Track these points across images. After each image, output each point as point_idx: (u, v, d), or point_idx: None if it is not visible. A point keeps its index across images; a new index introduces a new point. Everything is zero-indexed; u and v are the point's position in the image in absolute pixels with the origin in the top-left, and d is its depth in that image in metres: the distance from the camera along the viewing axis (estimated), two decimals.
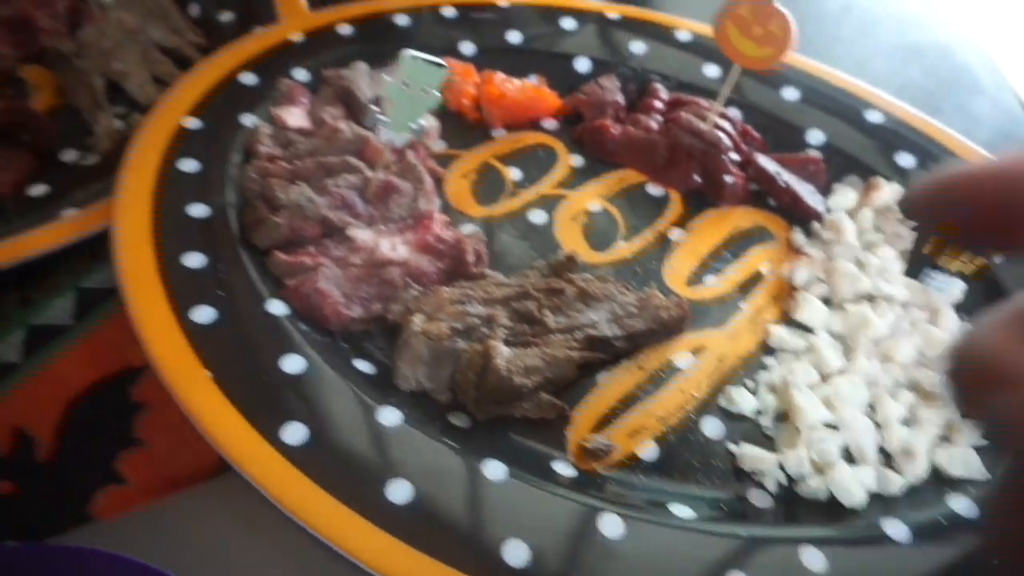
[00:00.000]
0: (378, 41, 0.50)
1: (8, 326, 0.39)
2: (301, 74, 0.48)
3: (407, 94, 0.39)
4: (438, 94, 0.39)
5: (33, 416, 0.36)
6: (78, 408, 0.36)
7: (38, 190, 0.44)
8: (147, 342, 0.34)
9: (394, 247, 0.39)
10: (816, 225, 0.43)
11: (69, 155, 0.47)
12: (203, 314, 0.35)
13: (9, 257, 0.39)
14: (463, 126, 0.48)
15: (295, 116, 0.45)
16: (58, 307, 0.40)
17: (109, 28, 0.52)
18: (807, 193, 0.43)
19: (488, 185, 0.45)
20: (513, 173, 0.46)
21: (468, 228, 0.42)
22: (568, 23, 0.52)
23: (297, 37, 0.50)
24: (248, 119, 0.45)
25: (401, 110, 0.40)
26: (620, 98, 0.48)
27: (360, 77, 0.47)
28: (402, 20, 0.51)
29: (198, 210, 0.40)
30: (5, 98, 0.50)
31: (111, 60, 0.50)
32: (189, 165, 0.42)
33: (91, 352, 0.38)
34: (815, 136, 0.46)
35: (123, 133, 0.47)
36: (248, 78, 0.47)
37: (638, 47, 0.51)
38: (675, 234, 0.43)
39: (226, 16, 0.53)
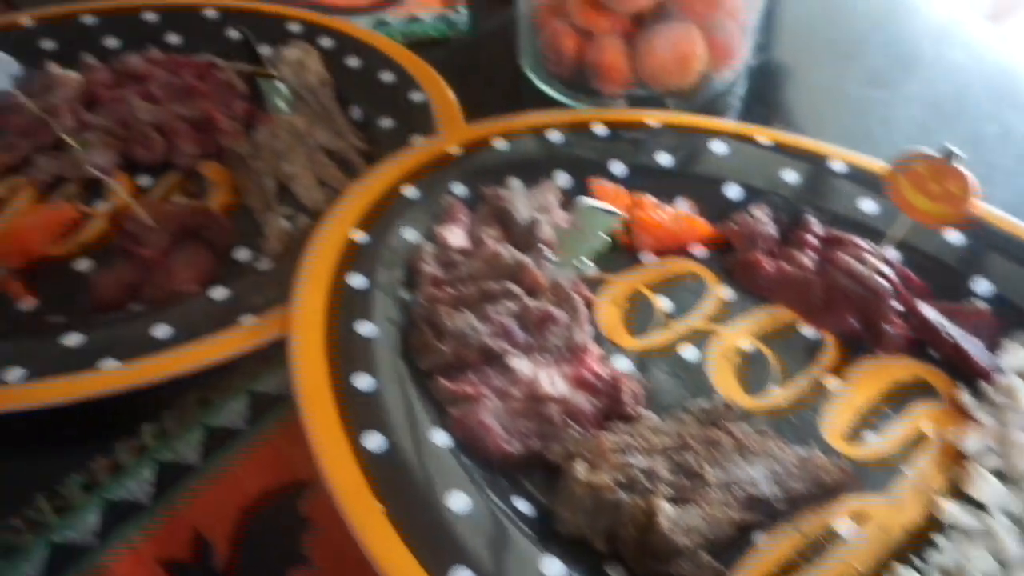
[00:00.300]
0: (532, 156, 0.52)
1: (188, 426, 0.42)
2: (460, 189, 0.50)
3: (576, 236, 0.41)
4: (607, 238, 0.40)
5: (211, 521, 0.38)
6: (250, 517, 0.39)
7: (218, 293, 0.47)
8: (325, 469, 0.36)
9: (552, 381, 0.40)
10: (985, 386, 0.41)
11: (242, 254, 0.51)
12: (374, 441, 0.37)
13: (193, 363, 0.42)
14: (612, 249, 0.49)
15: (456, 235, 0.47)
16: (233, 410, 0.43)
17: (281, 130, 0.56)
18: (974, 349, 0.42)
19: (639, 314, 0.46)
20: (663, 303, 0.46)
21: (622, 362, 0.43)
22: (719, 147, 0.52)
23: (455, 151, 0.52)
24: (410, 233, 0.48)
25: (569, 250, 0.41)
26: (773, 231, 0.48)
27: (517, 197, 0.49)
28: (555, 136, 0.53)
29: (366, 328, 0.42)
30: (188, 194, 0.54)
31: (281, 162, 0.54)
32: (358, 281, 0.44)
33: (263, 460, 0.41)
34: (982, 286, 0.45)
35: (291, 235, 0.51)
36: (410, 191, 0.50)
37: (790, 176, 0.50)
38: (832, 383, 0.42)
39: (386, 122, 0.57)
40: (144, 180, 0.55)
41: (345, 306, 0.43)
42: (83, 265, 0.50)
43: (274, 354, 0.43)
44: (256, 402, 0.43)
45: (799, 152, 0.52)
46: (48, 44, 0.62)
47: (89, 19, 0.64)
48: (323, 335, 0.42)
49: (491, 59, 0.66)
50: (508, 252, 0.45)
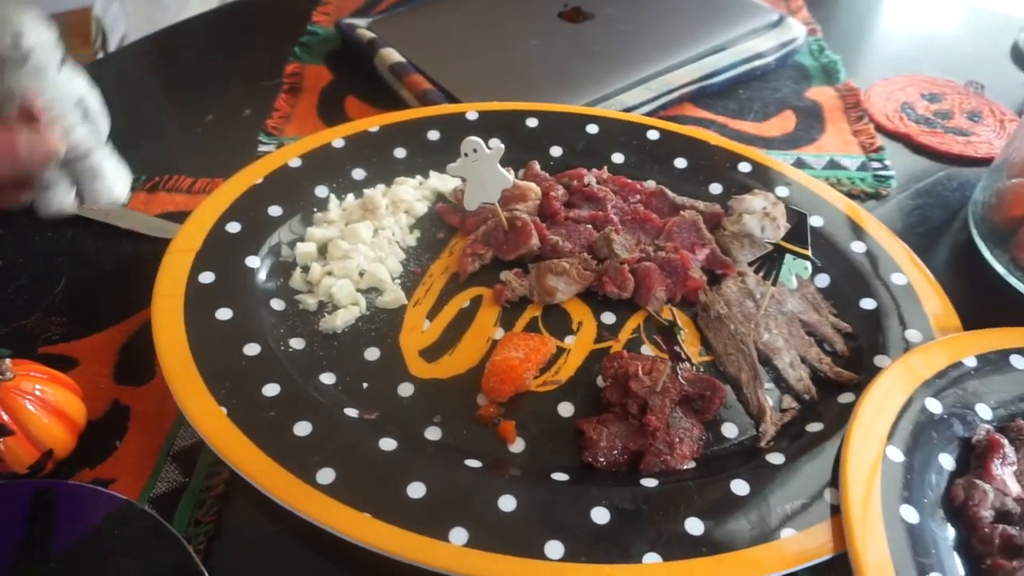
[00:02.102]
0: None
1: None
2: (984, 411, 0.46)
3: None
4: None
5: None
6: None
7: (739, 487, 0.44)
8: None
9: None
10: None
11: (729, 429, 0.48)
12: None
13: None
14: None
15: (1010, 478, 0.43)
16: None
17: (753, 287, 0.53)
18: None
19: None
20: None
21: None
22: None
23: (970, 362, 0.47)
24: (946, 460, 0.44)
25: None
26: None
27: None
28: None
29: None
30: (656, 344, 0.52)
31: (760, 328, 0.52)
32: (910, 515, 0.41)
33: None
34: None
35: (783, 420, 0.48)
36: (933, 405, 0.45)
37: None
38: None
39: (866, 303, 0.53)
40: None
41: (907, 549, 0.40)
42: (564, 408, 0.48)
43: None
44: None
45: None
46: (494, 143, 0.62)
47: (532, 121, 0.63)
48: None
49: (926, 222, 0.62)
50: None
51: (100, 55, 1.44)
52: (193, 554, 0.40)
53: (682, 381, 0.46)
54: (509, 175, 0.51)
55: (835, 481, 0.43)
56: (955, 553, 0.40)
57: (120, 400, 0.49)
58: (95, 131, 0.44)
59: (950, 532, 0.41)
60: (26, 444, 0.43)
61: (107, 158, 0.45)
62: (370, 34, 0.74)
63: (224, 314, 0.50)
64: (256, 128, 0.69)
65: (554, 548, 0.40)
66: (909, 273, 0.54)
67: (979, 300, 0.56)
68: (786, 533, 0.41)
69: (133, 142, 0.69)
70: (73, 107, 0.43)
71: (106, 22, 1.40)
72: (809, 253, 0.46)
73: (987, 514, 0.41)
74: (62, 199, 0.45)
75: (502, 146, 0.50)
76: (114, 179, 0.45)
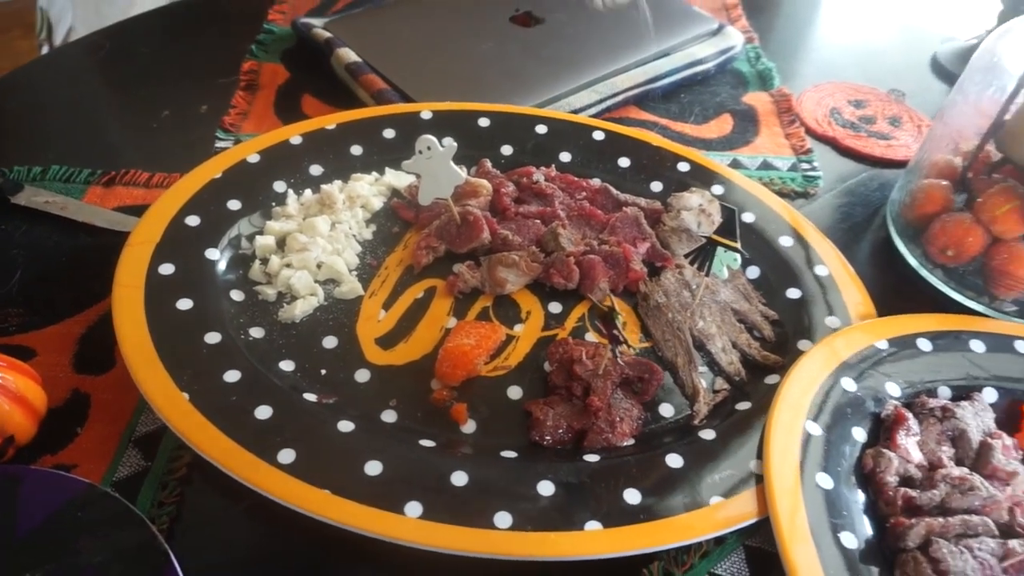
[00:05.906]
0: (957, 366, 0.53)
1: None
2: (893, 388, 0.51)
3: None
4: None
5: None
6: None
7: (673, 460, 0.47)
8: None
9: None
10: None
11: (665, 408, 0.52)
12: None
13: (674, 538, 0.43)
14: None
15: (913, 448, 0.48)
16: None
17: (689, 278, 0.57)
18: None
19: None
20: None
21: None
22: None
23: (881, 344, 0.52)
24: (859, 433, 0.48)
25: None
26: None
27: (966, 414, 0.49)
28: (977, 346, 0.53)
29: (850, 540, 0.42)
30: (599, 331, 0.55)
31: (695, 317, 0.55)
32: (825, 481, 0.45)
33: None
34: None
35: (715, 400, 0.52)
36: (848, 384, 0.50)
37: None
38: None
39: (792, 292, 0.57)
40: None
41: (823, 512, 0.44)
42: (513, 392, 0.51)
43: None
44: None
45: None
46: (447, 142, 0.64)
47: (484, 121, 0.66)
48: (811, 548, 0.42)
49: (850, 219, 0.67)
50: (983, 487, 0.45)
51: (45, 48, 1.42)
52: (157, 533, 0.41)
53: (622, 364, 0.49)
54: (462, 172, 0.54)
55: (760, 454, 0.47)
56: (864, 515, 0.45)
57: (80, 389, 0.50)
58: None
59: (860, 496, 0.46)
60: None
61: None
62: (326, 34, 0.75)
63: (184, 304, 0.51)
64: (213, 124, 0.70)
65: (503, 519, 0.43)
66: (831, 266, 0.58)
67: (895, 290, 0.61)
68: (715, 500, 0.45)
69: (88, 135, 0.70)
70: None
71: (52, 14, 1.38)
72: (738, 245, 0.50)
73: (892, 479, 0.46)
74: None
75: (455, 144, 0.53)
76: None
